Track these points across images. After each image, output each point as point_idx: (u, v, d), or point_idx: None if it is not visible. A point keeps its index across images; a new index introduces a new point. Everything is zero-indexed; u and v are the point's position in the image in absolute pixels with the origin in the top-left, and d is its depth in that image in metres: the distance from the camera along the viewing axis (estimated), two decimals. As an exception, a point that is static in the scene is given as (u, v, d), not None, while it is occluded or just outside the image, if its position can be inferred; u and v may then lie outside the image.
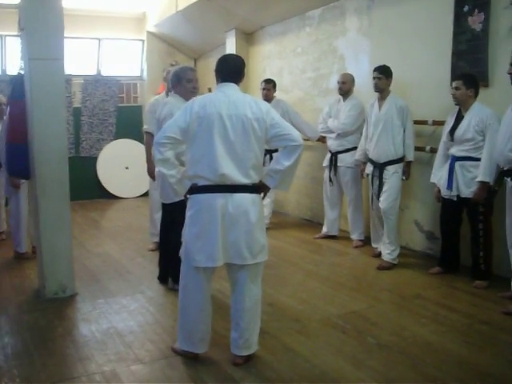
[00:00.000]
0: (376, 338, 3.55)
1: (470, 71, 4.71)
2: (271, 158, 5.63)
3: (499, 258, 4.58)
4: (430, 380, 3.01)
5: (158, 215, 5.52)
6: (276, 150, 5.38)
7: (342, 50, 6.45)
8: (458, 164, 4.55)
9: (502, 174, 4.25)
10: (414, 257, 5.44)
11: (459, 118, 4.57)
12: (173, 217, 4.27)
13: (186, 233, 3.11)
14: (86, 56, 9.37)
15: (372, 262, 5.27)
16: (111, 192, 9.31)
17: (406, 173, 5.18)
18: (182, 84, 4.33)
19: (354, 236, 5.96)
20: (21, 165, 4.49)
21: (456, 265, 4.86)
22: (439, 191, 4.77)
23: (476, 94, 4.51)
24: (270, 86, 6.56)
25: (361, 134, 5.63)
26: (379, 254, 5.30)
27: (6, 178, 5.56)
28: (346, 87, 5.84)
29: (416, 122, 5.17)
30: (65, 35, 4.23)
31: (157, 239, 5.52)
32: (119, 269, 5.17)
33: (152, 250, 5.68)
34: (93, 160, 9.28)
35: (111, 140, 9.42)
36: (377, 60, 5.58)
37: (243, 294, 3.13)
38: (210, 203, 3.00)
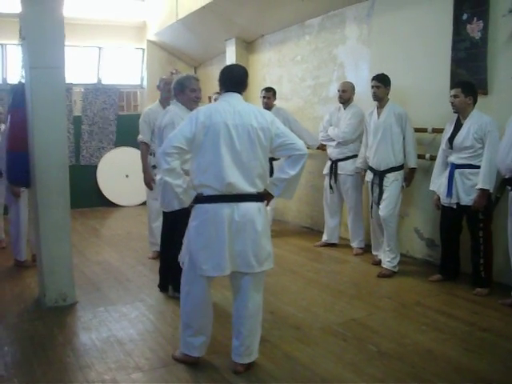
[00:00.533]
0: (376, 345, 3.54)
1: (469, 79, 4.73)
2: (271, 166, 5.64)
3: (499, 265, 4.58)
4: (430, 388, 3.01)
5: (156, 224, 5.54)
6: (275, 159, 5.40)
7: (342, 58, 6.48)
8: (457, 172, 4.55)
9: (504, 182, 4.26)
10: (415, 264, 5.44)
11: (458, 126, 4.58)
12: (174, 225, 4.27)
13: (192, 242, 3.11)
14: (86, 64, 9.42)
15: (372, 269, 5.27)
16: (111, 200, 9.32)
17: (408, 180, 5.18)
18: (186, 93, 4.33)
19: (354, 244, 5.96)
20: (21, 173, 4.49)
21: (456, 272, 4.85)
22: (439, 199, 4.78)
23: (474, 102, 4.52)
24: (270, 94, 6.58)
25: (361, 142, 5.64)
26: (379, 262, 5.30)
27: (6, 187, 5.56)
28: (346, 95, 5.85)
29: (416, 130, 5.17)
30: (65, 44, 4.25)
31: (156, 248, 5.53)
32: (119, 277, 5.16)
33: (152, 259, 5.68)
34: (93, 168, 9.30)
35: (111, 148, 9.45)
36: (376, 68, 5.61)
37: (246, 301, 3.14)
38: (217, 213, 3.01)
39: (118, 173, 9.25)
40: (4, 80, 8.67)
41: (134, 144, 9.18)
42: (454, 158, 4.60)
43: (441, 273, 4.89)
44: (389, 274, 5.05)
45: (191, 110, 3.96)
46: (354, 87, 5.91)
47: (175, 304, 4.31)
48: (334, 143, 5.97)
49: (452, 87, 4.69)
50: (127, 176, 9.22)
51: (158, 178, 4.51)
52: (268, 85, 7.07)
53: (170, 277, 4.52)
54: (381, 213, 5.10)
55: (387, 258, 5.10)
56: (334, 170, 5.99)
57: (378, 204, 5.15)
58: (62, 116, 4.32)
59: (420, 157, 5.24)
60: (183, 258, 3.20)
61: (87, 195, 9.04)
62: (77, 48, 9.01)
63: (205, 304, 3.20)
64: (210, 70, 9.43)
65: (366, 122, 5.39)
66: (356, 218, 5.94)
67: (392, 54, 5.71)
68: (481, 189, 4.36)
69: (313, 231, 7.00)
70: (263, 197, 3.15)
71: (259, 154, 3.05)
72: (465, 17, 4.82)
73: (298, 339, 3.66)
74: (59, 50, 4.21)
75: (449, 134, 4.65)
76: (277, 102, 6.72)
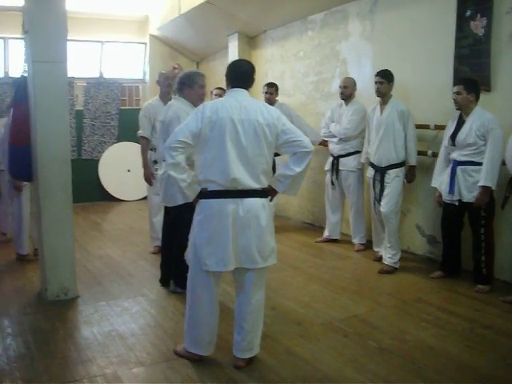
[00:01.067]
0: (377, 341, 3.55)
1: (472, 76, 4.72)
2: (273, 162, 5.63)
3: (501, 262, 4.58)
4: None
5: (157, 219, 5.55)
6: (277, 154, 5.39)
7: (345, 54, 6.46)
8: (459, 169, 4.55)
9: None
10: (416, 261, 5.44)
11: (460, 123, 4.58)
12: (176, 220, 4.28)
13: (196, 237, 3.11)
14: (88, 59, 9.39)
15: (373, 265, 5.27)
16: (113, 195, 9.32)
17: (409, 177, 5.18)
18: (194, 88, 4.33)
19: (356, 240, 5.96)
20: (23, 167, 4.50)
21: (457, 269, 4.86)
22: (440, 196, 4.78)
23: (477, 99, 4.51)
24: (272, 89, 6.56)
25: (363, 138, 5.64)
26: (380, 258, 5.30)
27: (8, 181, 5.57)
28: (347, 92, 5.84)
29: (418, 127, 5.17)
30: (68, 38, 4.25)
31: (157, 243, 5.53)
32: (121, 271, 5.17)
33: (154, 253, 5.69)
34: (95, 162, 9.30)
35: (113, 143, 9.44)
36: (379, 64, 5.60)
37: (249, 297, 3.15)
38: (221, 208, 3.01)
39: (120, 167, 9.24)
40: (6, 74, 8.66)
41: (136, 139, 9.10)
42: (456, 155, 4.60)
43: (442, 269, 4.89)
44: (390, 271, 5.05)
45: (195, 106, 3.95)
46: (355, 83, 5.89)
47: (176, 299, 4.33)
48: (335, 139, 5.97)
49: (455, 84, 4.68)
50: (129, 170, 9.21)
51: (159, 173, 4.51)
52: (270, 80, 7.05)
53: (171, 272, 4.53)
54: (382, 209, 5.10)
55: (388, 255, 5.11)
56: (335, 166, 5.99)
57: (380, 200, 5.15)
58: (64, 110, 4.32)
59: (422, 153, 5.24)
60: (188, 254, 3.20)
61: (89, 189, 9.03)
62: (79, 42, 8.98)
63: (212, 304, 3.17)
64: (213, 65, 9.41)
65: (369, 118, 5.38)
66: (357, 214, 5.94)
67: (394, 50, 5.69)
68: (483, 186, 4.35)
69: (314, 227, 7.01)
70: (267, 193, 3.15)
71: (264, 149, 3.04)
72: (468, 13, 4.81)
73: (299, 335, 3.67)
74: (62, 44, 4.21)
75: (451, 131, 4.64)
76: (279, 98, 6.70)
